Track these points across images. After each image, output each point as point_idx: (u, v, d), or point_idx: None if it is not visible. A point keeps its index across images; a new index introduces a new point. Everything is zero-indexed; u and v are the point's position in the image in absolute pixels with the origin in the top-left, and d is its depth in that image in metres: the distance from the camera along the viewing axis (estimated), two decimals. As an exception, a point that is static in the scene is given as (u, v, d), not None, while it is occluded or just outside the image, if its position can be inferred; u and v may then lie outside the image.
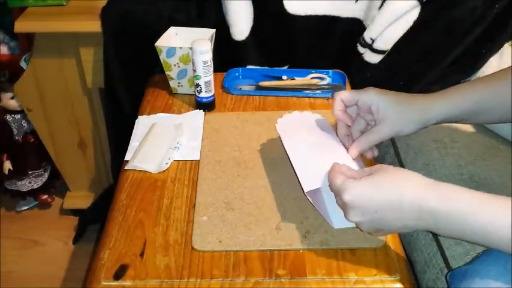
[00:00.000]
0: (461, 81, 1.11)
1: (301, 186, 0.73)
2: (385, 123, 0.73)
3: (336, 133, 0.81)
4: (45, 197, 1.56)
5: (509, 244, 0.56)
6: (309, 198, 0.74)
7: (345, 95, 0.76)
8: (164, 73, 1.05)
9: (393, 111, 0.73)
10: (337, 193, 0.65)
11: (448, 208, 0.59)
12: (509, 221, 0.56)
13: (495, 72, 0.76)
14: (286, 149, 0.82)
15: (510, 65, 1.01)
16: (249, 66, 1.19)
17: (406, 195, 0.61)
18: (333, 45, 1.19)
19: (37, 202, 1.57)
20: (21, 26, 1.16)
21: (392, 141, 1.08)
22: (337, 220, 0.74)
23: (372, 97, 0.74)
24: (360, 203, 0.62)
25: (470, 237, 0.60)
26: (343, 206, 0.65)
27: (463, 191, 0.60)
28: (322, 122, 0.86)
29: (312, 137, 0.82)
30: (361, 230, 0.67)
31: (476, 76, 1.08)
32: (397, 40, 1.11)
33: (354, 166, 0.73)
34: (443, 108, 0.73)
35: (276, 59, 1.20)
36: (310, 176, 0.74)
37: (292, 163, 0.78)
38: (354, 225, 0.72)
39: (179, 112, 1.02)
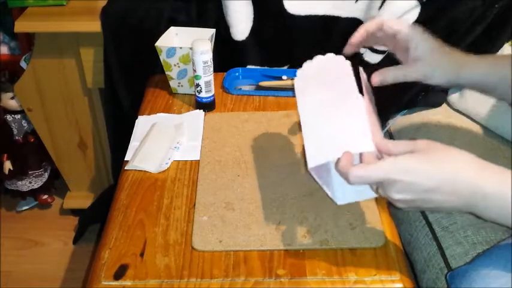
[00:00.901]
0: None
1: (306, 161, 0.67)
2: (418, 62, 0.71)
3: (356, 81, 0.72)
4: (45, 197, 1.56)
5: None
6: (311, 174, 0.68)
7: (392, 22, 0.73)
8: (164, 73, 1.05)
9: (431, 53, 0.71)
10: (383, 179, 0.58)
11: (504, 194, 0.55)
12: None
13: None
14: (299, 113, 0.73)
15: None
16: (249, 66, 1.19)
17: (462, 178, 0.56)
18: (333, 45, 1.19)
19: (37, 202, 1.57)
20: (21, 26, 1.16)
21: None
22: (342, 196, 0.69)
23: (415, 33, 0.71)
24: (411, 180, 0.57)
25: None
26: (386, 185, 0.59)
27: None
28: (343, 68, 0.75)
29: (330, 92, 0.72)
30: (395, 206, 0.62)
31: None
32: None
33: (367, 129, 0.64)
34: (475, 71, 0.71)
35: (276, 59, 1.20)
36: (318, 150, 0.67)
37: (303, 133, 0.70)
38: (357, 200, 0.70)
39: (179, 112, 1.02)
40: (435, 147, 0.59)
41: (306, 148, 0.68)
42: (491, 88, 0.73)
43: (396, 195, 0.58)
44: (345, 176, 0.61)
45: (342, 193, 0.68)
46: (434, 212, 0.61)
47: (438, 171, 0.57)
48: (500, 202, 0.55)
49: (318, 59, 0.77)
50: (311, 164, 0.66)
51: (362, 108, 0.67)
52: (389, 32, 0.73)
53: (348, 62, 0.75)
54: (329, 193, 0.70)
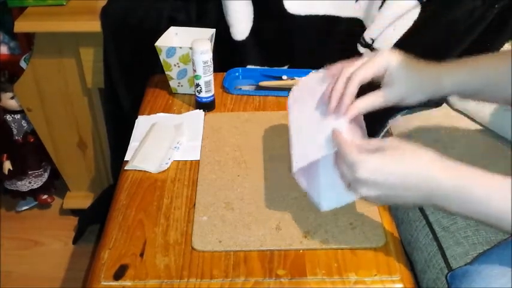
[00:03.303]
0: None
1: (292, 166, 0.72)
2: (392, 87, 0.71)
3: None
4: (45, 197, 1.55)
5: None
6: (296, 178, 0.72)
7: (364, 73, 0.71)
8: (164, 73, 1.05)
9: (403, 77, 0.70)
10: (351, 167, 0.64)
11: (462, 188, 0.59)
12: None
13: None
14: (289, 127, 0.78)
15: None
16: (249, 66, 1.19)
17: (420, 174, 0.61)
18: (333, 45, 1.19)
19: (37, 202, 1.57)
20: (21, 25, 1.16)
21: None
22: (326, 202, 0.74)
23: (390, 58, 0.70)
24: (375, 179, 0.62)
25: (484, 215, 0.59)
26: (355, 181, 0.63)
27: (475, 171, 0.60)
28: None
29: (317, 108, 0.75)
30: (366, 200, 0.66)
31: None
32: (397, 40, 1.11)
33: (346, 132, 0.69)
34: (455, 80, 0.71)
35: (276, 59, 1.20)
36: (301, 154, 0.72)
37: (290, 144, 0.75)
38: (339, 206, 0.74)
39: (179, 112, 1.02)
40: (397, 145, 0.64)
41: (292, 155, 0.73)
42: (474, 93, 0.73)
43: (366, 193, 0.63)
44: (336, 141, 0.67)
45: (326, 199, 0.73)
46: (399, 205, 0.67)
47: (396, 170, 0.62)
48: (459, 196, 0.59)
49: (311, 76, 0.81)
50: (294, 168, 0.71)
51: (344, 122, 0.71)
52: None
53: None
54: (314, 199, 0.74)
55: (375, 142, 0.66)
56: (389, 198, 0.64)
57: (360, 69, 0.71)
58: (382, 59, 0.71)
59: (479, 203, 0.59)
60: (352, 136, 0.69)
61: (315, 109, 0.75)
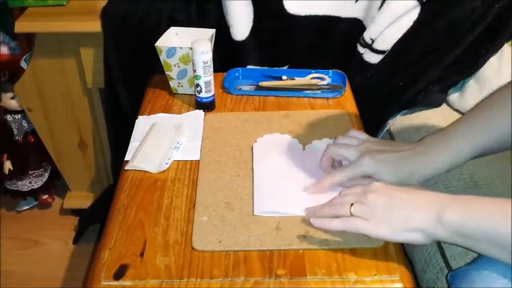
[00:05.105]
0: (461, 81, 1.11)
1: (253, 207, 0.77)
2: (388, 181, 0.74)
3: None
4: (45, 197, 1.56)
5: None
6: (259, 214, 0.76)
7: (344, 177, 0.76)
8: (164, 73, 1.05)
9: (393, 178, 0.73)
10: (362, 189, 0.70)
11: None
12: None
13: (486, 106, 0.73)
14: (253, 169, 0.84)
15: (510, 66, 1.02)
16: (249, 66, 1.19)
17: (429, 194, 0.65)
18: (333, 45, 1.19)
19: (37, 202, 1.57)
20: (21, 26, 1.16)
21: (392, 140, 1.08)
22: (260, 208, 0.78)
23: (372, 167, 0.74)
24: (386, 187, 0.68)
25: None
26: (365, 192, 0.68)
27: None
28: (297, 147, 0.89)
29: (282, 161, 0.85)
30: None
31: (476, 76, 1.08)
32: (397, 40, 1.11)
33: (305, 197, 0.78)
34: (445, 164, 0.72)
35: (276, 59, 1.20)
36: (265, 201, 0.77)
37: (254, 184, 0.81)
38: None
39: (179, 112, 1.02)
40: None
41: (255, 196, 0.79)
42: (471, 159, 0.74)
43: (372, 198, 0.66)
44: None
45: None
46: (400, 227, 0.66)
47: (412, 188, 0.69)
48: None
49: (276, 134, 0.92)
50: (257, 212, 0.76)
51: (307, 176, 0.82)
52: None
53: (300, 145, 0.90)
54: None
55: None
56: (394, 206, 0.65)
57: (341, 171, 0.76)
58: (362, 168, 0.74)
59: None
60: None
61: (279, 164, 0.85)
